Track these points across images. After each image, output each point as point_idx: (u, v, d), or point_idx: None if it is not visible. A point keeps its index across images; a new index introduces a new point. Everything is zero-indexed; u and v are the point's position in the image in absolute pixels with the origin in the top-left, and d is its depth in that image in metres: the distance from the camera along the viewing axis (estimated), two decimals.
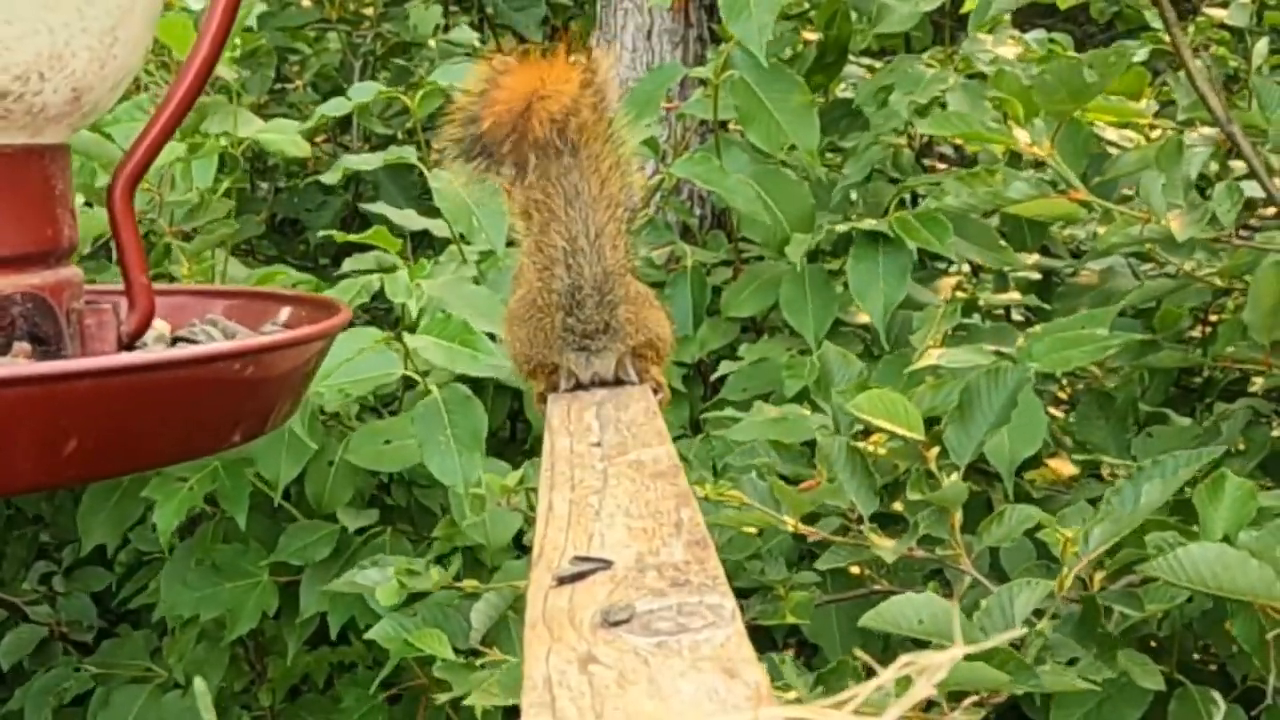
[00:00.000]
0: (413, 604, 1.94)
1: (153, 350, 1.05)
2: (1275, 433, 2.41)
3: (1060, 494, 2.33)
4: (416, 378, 2.03)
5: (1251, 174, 2.16)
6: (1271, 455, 2.31)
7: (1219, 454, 1.75)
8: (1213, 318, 2.63)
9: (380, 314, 2.66)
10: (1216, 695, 1.79)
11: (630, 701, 0.77)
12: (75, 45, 0.96)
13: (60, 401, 0.84)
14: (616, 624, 0.89)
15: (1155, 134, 2.70)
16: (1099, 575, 1.74)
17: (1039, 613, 1.64)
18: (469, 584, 1.90)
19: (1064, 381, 2.56)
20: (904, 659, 0.61)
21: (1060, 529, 1.66)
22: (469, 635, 1.82)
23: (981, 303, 2.65)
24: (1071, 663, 1.65)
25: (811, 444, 1.93)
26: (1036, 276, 2.71)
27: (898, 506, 1.89)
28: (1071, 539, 1.63)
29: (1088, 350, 2.04)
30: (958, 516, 1.74)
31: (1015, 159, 2.46)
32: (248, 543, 2.37)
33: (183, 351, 1.00)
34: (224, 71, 2.33)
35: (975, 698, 1.59)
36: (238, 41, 2.37)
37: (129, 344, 1.03)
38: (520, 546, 2.20)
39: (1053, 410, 2.44)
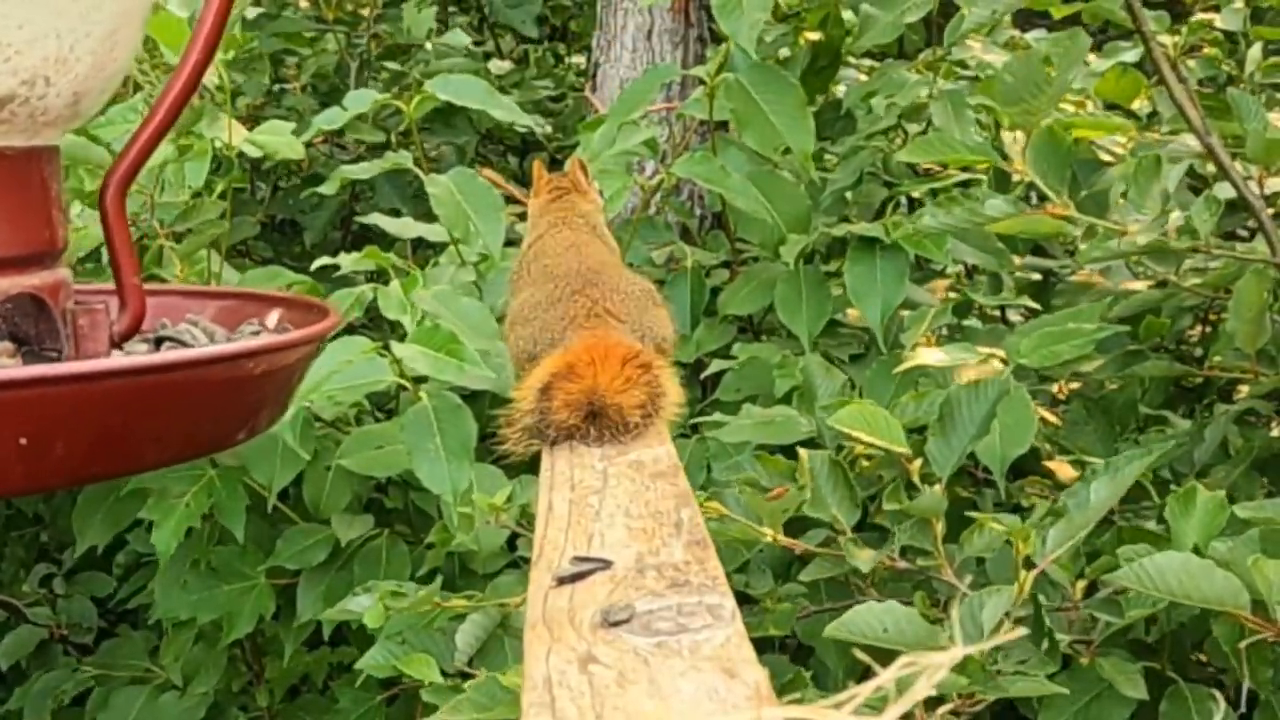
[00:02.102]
0: (398, 622, 1.93)
1: (148, 352, 1.05)
2: (1275, 433, 2.42)
3: (1054, 501, 2.33)
4: (407, 384, 2.03)
5: (1234, 188, 2.16)
6: (1271, 456, 2.31)
7: (1166, 449, 1.78)
8: (1213, 317, 2.64)
9: (379, 315, 2.65)
10: (1218, 694, 1.79)
11: (630, 701, 0.77)
12: (80, 49, 0.96)
13: (51, 403, 0.84)
14: (616, 624, 0.89)
15: (1152, 136, 2.71)
16: (1080, 584, 1.75)
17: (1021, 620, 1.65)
18: (458, 603, 1.88)
19: (1062, 384, 2.56)
20: (904, 659, 0.62)
21: (1015, 532, 1.67)
22: (455, 657, 1.81)
23: (978, 304, 2.65)
24: (1022, 661, 1.67)
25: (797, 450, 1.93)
26: (1036, 277, 2.71)
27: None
28: (1026, 543, 1.65)
29: (1074, 344, 2.05)
30: (939, 527, 1.75)
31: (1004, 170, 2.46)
32: (245, 546, 2.37)
33: (184, 353, 1.00)
34: (211, 78, 2.31)
35: (950, 705, 1.61)
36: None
37: (119, 344, 1.03)
38: (514, 548, 2.20)
39: (1050, 415, 2.44)
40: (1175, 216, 2.07)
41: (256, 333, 1.11)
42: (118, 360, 0.98)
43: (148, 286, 1.06)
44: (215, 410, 0.94)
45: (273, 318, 1.13)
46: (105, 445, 0.87)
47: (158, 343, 1.08)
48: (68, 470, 0.86)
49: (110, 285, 1.05)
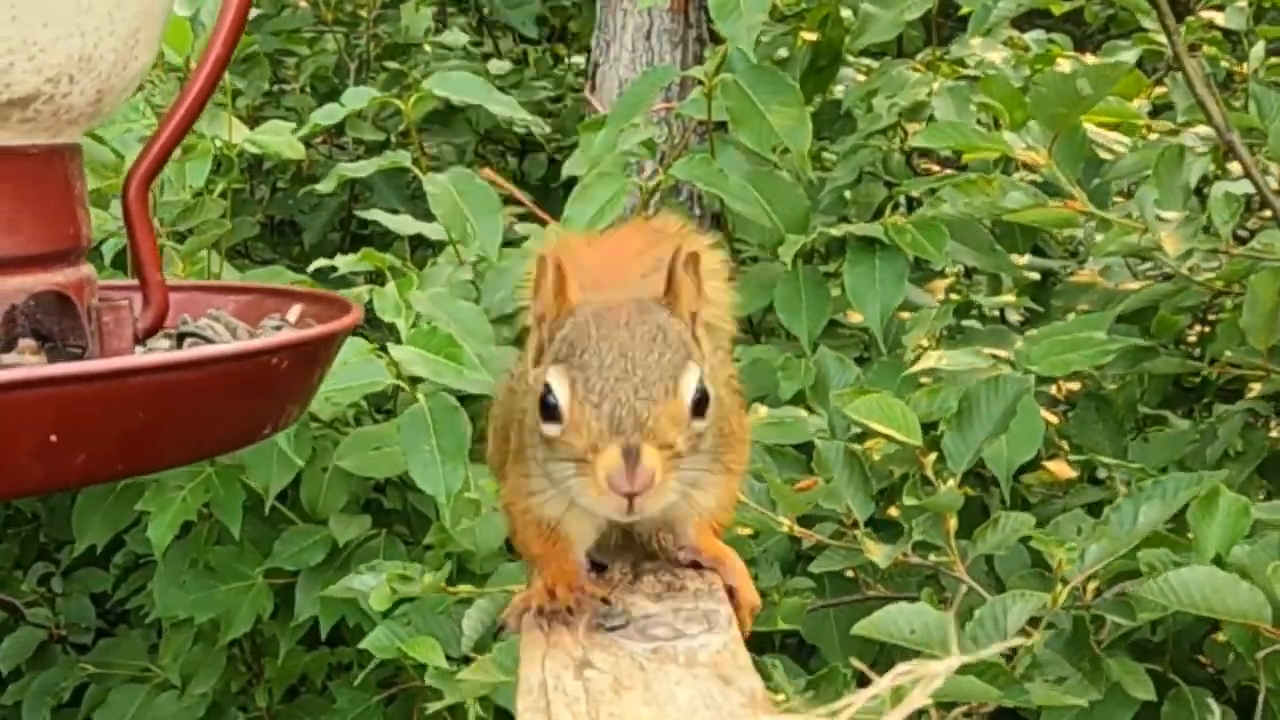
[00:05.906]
0: (403, 606, 1.93)
1: (170, 348, 1.05)
2: (1274, 434, 2.41)
3: (1057, 498, 2.32)
4: (404, 386, 2.03)
5: (1254, 185, 2.15)
6: (1271, 457, 2.31)
7: (1222, 474, 1.75)
8: (1210, 317, 2.63)
9: (376, 316, 2.65)
10: (1212, 703, 1.79)
11: (626, 708, 0.77)
12: (103, 47, 0.96)
13: (79, 401, 0.84)
14: (613, 629, 0.89)
15: (1153, 136, 2.70)
16: (1092, 585, 1.74)
17: (1034, 621, 1.64)
18: (463, 589, 1.89)
19: (1060, 383, 2.56)
20: (901, 667, 0.61)
21: (1054, 545, 1.66)
22: (461, 642, 1.81)
23: (981, 304, 2.64)
24: (1059, 681, 1.66)
25: (807, 448, 1.92)
26: (1035, 277, 2.71)
27: (894, 512, 1.88)
28: (1066, 557, 1.63)
29: (1086, 354, 2.04)
30: (953, 523, 1.74)
31: (1007, 161, 2.46)
32: (242, 545, 2.37)
33: (201, 351, 1.00)
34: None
35: (964, 708, 1.60)
36: None
37: (144, 340, 1.03)
38: (512, 550, 2.19)
39: (1049, 414, 2.44)
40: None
41: (278, 328, 1.11)
42: (146, 357, 0.97)
43: (180, 282, 1.06)
44: (241, 404, 0.94)
45: (294, 312, 1.13)
46: (130, 442, 0.87)
47: (180, 339, 1.08)
48: (90, 468, 0.86)
49: (132, 281, 1.06)
